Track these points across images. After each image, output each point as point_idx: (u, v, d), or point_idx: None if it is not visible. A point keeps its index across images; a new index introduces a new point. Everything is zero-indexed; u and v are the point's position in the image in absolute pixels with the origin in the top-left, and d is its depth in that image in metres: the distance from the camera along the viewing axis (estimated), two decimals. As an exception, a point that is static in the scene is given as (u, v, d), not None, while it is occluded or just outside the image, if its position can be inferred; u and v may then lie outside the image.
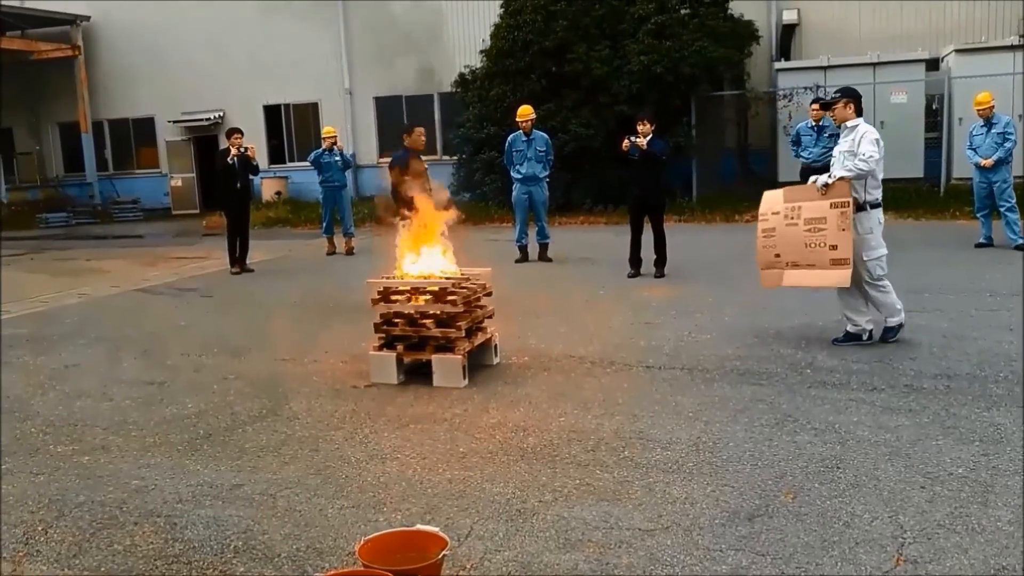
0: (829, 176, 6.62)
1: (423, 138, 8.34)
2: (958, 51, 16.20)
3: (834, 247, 6.52)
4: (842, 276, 6.54)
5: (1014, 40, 16.04)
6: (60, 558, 3.84)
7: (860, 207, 6.58)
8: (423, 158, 8.10)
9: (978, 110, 11.38)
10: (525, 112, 11.88)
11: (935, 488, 4.15)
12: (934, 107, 16.77)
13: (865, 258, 6.62)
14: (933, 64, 16.79)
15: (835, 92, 7.14)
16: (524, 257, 12.09)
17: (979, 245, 11.22)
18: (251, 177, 12.62)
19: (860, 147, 6.49)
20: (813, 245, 6.60)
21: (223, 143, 23.29)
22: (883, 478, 4.29)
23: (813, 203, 6.64)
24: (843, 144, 6.77)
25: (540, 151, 11.87)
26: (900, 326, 6.81)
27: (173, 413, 5.83)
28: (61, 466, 4.93)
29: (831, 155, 11.48)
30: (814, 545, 3.65)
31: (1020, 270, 9.34)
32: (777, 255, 6.87)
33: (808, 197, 6.70)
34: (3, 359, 7.54)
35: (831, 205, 6.53)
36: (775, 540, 3.71)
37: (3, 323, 9.26)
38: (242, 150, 11.95)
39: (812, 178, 6.88)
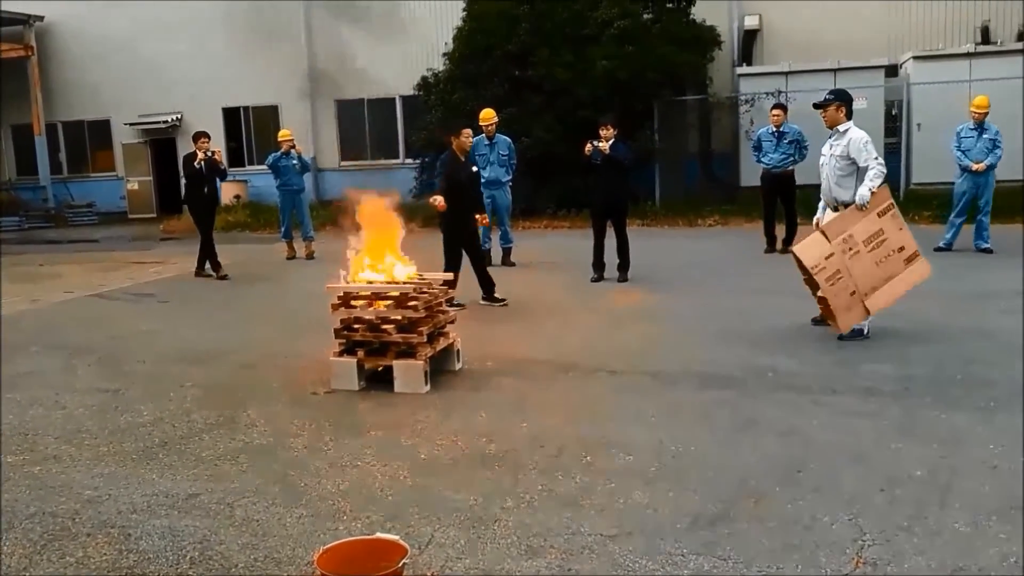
0: (866, 189, 6.77)
1: (470, 140, 8.47)
2: (916, 58, 16.45)
3: (901, 248, 6.79)
4: (922, 267, 6.85)
5: (970, 48, 16.33)
6: (10, 571, 3.72)
7: (848, 205, 6.92)
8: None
9: (974, 112, 11.39)
10: (487, 116, 11.83)
11: (895, 491, 4.17)
12: (893, 112, 17.00)
13: None
14: (892, 70, 17.03)
15: (828, 94, 7.24)
16: (488, 261, 12.03)
17: (939, 249, 11.24)
18: (219, 181, 12.45)
19: (863, 153, 6.80)
20: (884, 259, 6.76)
21: (181, 146, 23.11)
22: (844, 481, 4.31)
23: (861, 223, 6.79)
24: (835, 148, 7.00)
25: (503, 155, 11.85)
26: (863, 331, 7.02)
27: (128, 421, 5.71)
28: (11, 476, 4.80)
29: (790, 160, 11.73)
30: (775, 549, 3.65)
31: (980, 275, 9.45)
32: (853, 292, 6.79)
33: (852, 221, 6.81)
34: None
35: (879, 215, 6.76)
36: (737, 544, 3.70)
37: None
38: (209, 154, 11.80)
39: (858, 199, 6.84)
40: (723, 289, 9.63)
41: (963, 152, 11.43)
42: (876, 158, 6.85)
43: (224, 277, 11.83)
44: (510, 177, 12.05)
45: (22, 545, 3.96)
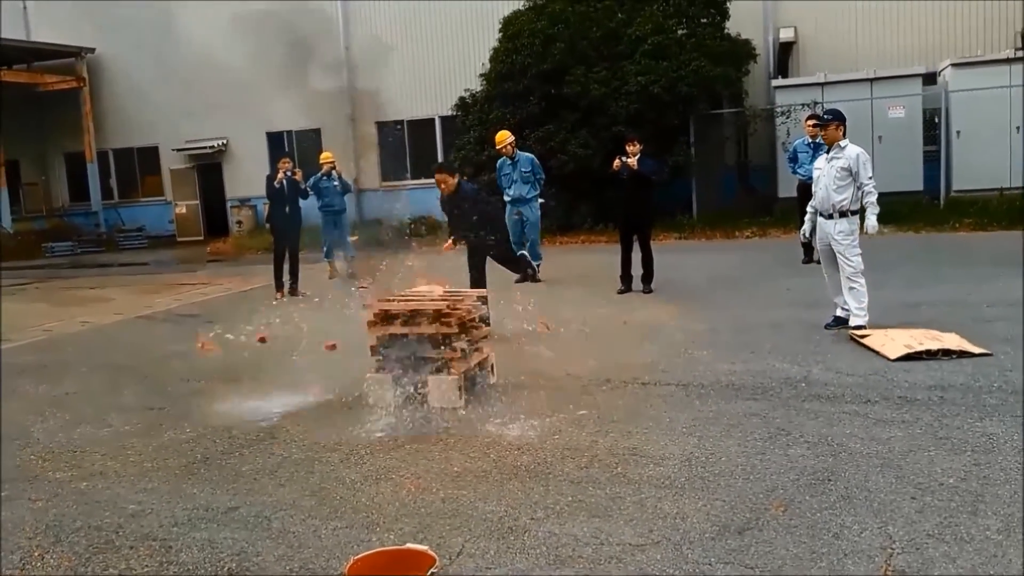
0: (874, 219, 7.69)
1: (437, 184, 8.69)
2: (955, 65, 16.28)
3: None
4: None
5: (1010, 53, 16.12)
6: (56, 583, 3.88)
7: (843, 213, 7.70)
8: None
9: None
10: (501, 138, 12.14)
11: (925, 498, 4.16)
12: (936, 120, 16.82)
13: (848, 255, 7.67)
14: (930, 78, 16.87)
15: (826, 114, 8.00)
16: (523, 277, 12.13)
17: None
18: (300, 200, 12.71)
19: (863, 172, 7.61)
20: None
21: (227, 170, 23.60)
22: (874, 489, 4.30)
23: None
24: (835, 162, 7.75)
25: (525, 172, 12.02)
26: (845, 322, 7.70)
27: (171, 438, 5.87)
28: (59, 492, 4.98)
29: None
30: (803, 557, 3.67)
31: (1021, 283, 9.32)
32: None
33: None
34: (4, 388, 7.60)
35: None
36: (764, 553, 3.72)
37: (5, 352, 9.34)
38: (288, 174, 12.10)
39: (870, 230, 7.72)
40: (758, 300, 9.61)
41: None
42: (871, 177, 7.65)
43: (282, 298, 11.99)
44: (537, 192, 12.17)
45: (68, 558, 4.11)
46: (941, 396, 5.69)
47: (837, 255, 7.74)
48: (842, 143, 7.77)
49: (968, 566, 3.50)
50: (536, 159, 12.38)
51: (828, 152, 7.91)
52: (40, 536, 4.37)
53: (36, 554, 4.16)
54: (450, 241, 8.89)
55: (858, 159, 7.64)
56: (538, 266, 12.15)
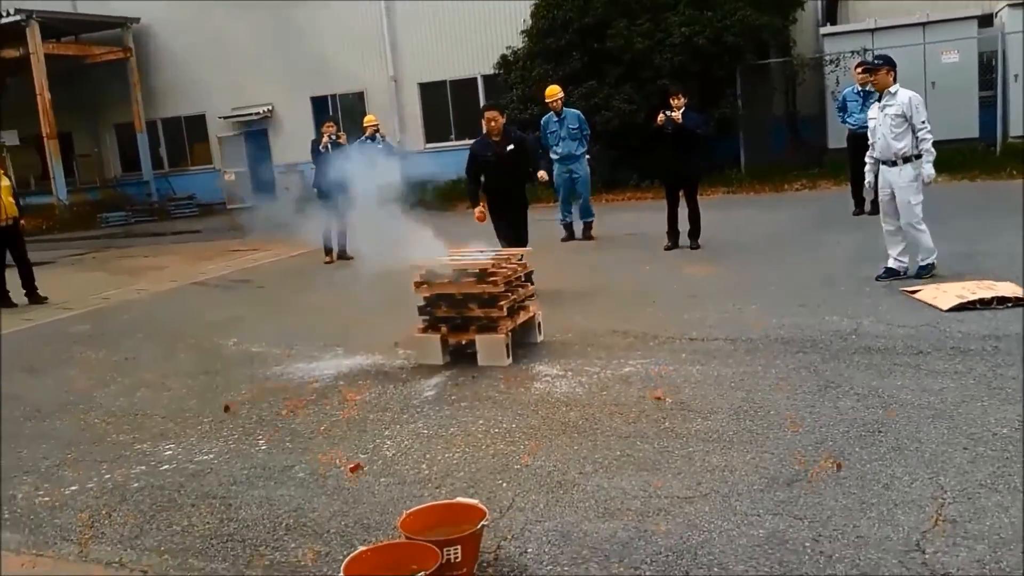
0: (930, 166, 7.55)
1: (490, 123, 8.48)
2: (1011, 5, 15.71)
3: None
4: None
5: (1071, -10, 15.53)
6: (123, 539, 4.03)
7: (907, 159, 7.58)
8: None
9: None
10: (552, 92, 11.94)
11: (978, 448, 4.13)
12: (992, 64, 16.31)
13: (912, 202, 7.56)
14: (986, 20, 16.33)
15: (876, 59, 7.87)
16: (570, 235, 12.12)
17: None
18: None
19: (916, 116, 7.48)
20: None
21: (273, 136, 23.77)
22: (925, 440, 4.28)
23: None
24: (888, 109, 7.61)
25: (573, 128, 11.88)
26: (933, 265, 7.64)
27: (228, 400, 6.02)
28: (123, 454, 5.15)
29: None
30: (852, 508, 3.67)
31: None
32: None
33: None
34: (68, 355, 7.85)
35: None
36: (813, 504, 3.73)
37: (67, 320, 9.63)
38: (333, 138, 12.18)
39: (926, 178, 7.58)
40: (807, 254, 9.48)
41: None
42: (925, 121, 7.53)
43: (330, 262, 12.08)
44: (585, 149, 12.07)
45: (133, 516, 4.27)
46: (995, 346, 5.60)
47: (900, 202, 7.62)
48: (892, 89, 7.63)
49: (1021, 515, 3.47)
50: (582, 115, 12.26)
51: (880, 100, 7.76)
52: (107, 496, 4.54)
53: (103, 512, 4.33)
54: (481, 207, 8.61)
55: (910, 103, 7.51)
56: (591, 223, 12.14)
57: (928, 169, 7.55)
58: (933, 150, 7.55)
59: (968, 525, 3.44)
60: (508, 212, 8.69)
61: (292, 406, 5.75)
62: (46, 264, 14.01)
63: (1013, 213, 10.60)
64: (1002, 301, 6.50)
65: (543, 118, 12.18)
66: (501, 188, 8.60)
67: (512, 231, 8.60)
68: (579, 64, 16.89)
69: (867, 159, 8.02)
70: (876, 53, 14.63)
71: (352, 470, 4.34)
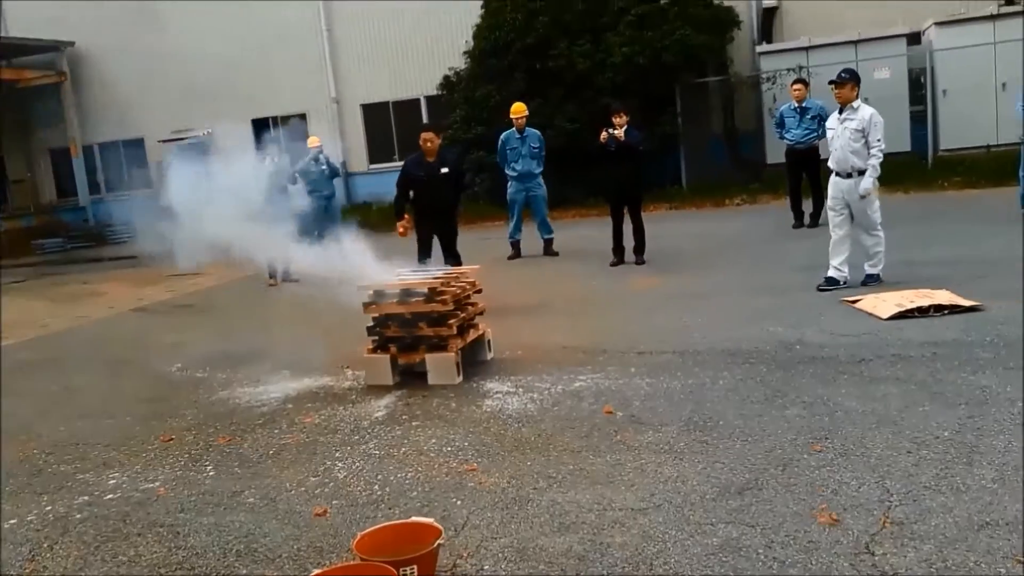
0: (871, 181, 7.78)
1: (425, 143, 8.61)
2: (938, 24, 16.24)
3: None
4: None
5: (993, 9, 16.09)
6: (66, 572, 3.91)
7: (861, 172, 7.78)
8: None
9: None
10: (519, 109, 11.95)
11: (921, 452, 4.22)
12: (921, 80, 16.80)
13: (869, 212, 7.83)
14: (915, 38, 16.83)
15: (843, 73, 8.03)
16: (516, 253, 12.16)
17: None
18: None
19: (873, 133, 7.72)
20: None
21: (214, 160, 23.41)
22: (870, 446, 4.36)
23: None
24: (850, 123, 7.83)
25: (534, 148, 11.96)
26: (879, 276, 7.87)
27: (174, 426, 5.90)
28: (65, 484, 5.01)
29: (814, 135, 11.72)
30: (803, 513, 3.73)
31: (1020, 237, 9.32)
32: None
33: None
34: (8, 384, 7.62)
35: None
36: (764, 511, 3.78)
37: (6, 349, 9.35)
38: (276, 160, 12.08)
39: (860, 193, 7.80)
40: (750, 267, 9.65)
41: None
42: (880, 140, 7.77)
43: (274, 285, 11.92)
44: (541, 169, 12.13)
45: (77, 547, 4.15)
46: (934, 352, 5.75)
47: (858, 212, 7.85)
48: (855, 104, 7.84)
49: (965, 515, 3.56)
50: (542, 136, 12.28)
51: (841, 112, 7.94)
52: (48, 528, 4.40)
53: (45, 545, 4.20)
54: (405, 222, 8.73)
55: (871, 120, 7.73)
56: (551, 240, 12.19)
57: (867, 183, 7.77)
58: (879, 168, 7.80)
59: (915, 526, 3.52)
60: (434, 230, 8.85)
61: (240, 431, 5.66)
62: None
63: (946, 223, 10.94)
64: (939, 309, 6.68)
65: (504, 134, 12.17)
66: (429, 206, 8.76)
67: (443, 249, 8.80)
68: (522, 84, 16.98)
69: (830, 165, 8.15)
70: (811, 71, 15.08)
71: (318, 515, 4.26)
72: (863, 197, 7.80)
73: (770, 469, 4.21)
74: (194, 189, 6.79)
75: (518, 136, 11.92)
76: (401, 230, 8.68)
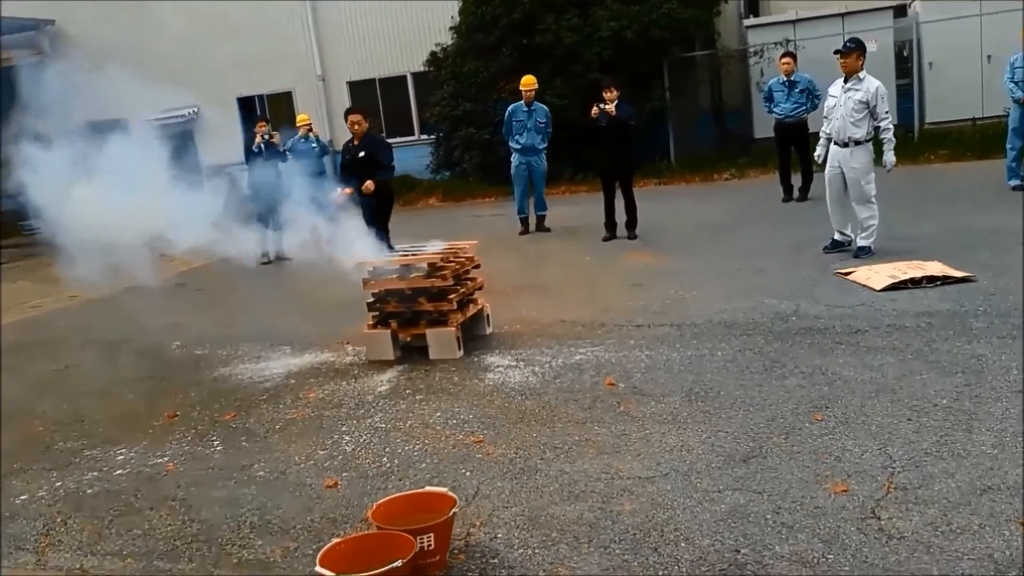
0: (891, 155, 7.93)
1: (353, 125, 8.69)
2: (924, -4, 16.32)
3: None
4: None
5: (979, -18, 16.15)
6: (82, 546, 3.96)
7: (858, 142, 7.84)
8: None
9: None
10: (529, 82, 11.82)
11: (921, 419, 4.31)
12: (904, 53, 16.88)
13: (863, 183, 7.87)
14: (901, 11, 16.89)
15: (848, 42, 8.04)
16: (526, 229, 12.13)
17: (1018, 187, 10.54)
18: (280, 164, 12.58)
19: (880, 106, 7.75)
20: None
21: (200, 139, 23.27)
22: (871, 414, 4.45)
23: None
24: (855, 94, 7.82)
25: (540, 123, 11.89)
26: (870, 248, 7.91)
27: (177, 403, 5.93)
28: (73, 461, 5.04)
29: (803, 109, 11.76)
30: (808, 480, 3.81)
31: (1007, 209, 9.42)
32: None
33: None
34: (4, 365, 7.62)
35: None
36: (770, 478, 3.86)
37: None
38: (266, 137, 12.03)
39: (887, 165, 7.99)
40: (742, 241, 9.71)
41: (1016, 83, 10.59)
42: (888, 111, 7.84)
43: (267, 263, 11.92)
44: (545, 145, 12.09)
45: (90, 522, 4.19)
46: (929, 322, 5.84)
47: (851, 182, 7.93)
48: (860, 75, 7.84)
49: (967, 480, 3.65)
50: (549, 112, 12.22)
51: (845, 82, 7.94)
52: (60, 503, 4.45)
53: (59, 520, 4.24)
54: (348, 189, 8.77)
55: (876, 92, 7.74)
56: (544, 216, 12.19)
57: (890, 156, 7.88)
58: (894, 138, 7.86)
59: (918, 491, 3.61)
60: (365, 209, 8.85)
61: (245, 406, 5.70)
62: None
63: (934, 196, 11.03)
64: (931, 280, 6.77)
65: (511, 106, 12.07)
66: (355, 188, 8.86)
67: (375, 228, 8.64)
68: (510, 60, 16.93)
69: (821, 133, 8.30)
70: (798, 44, 15.13)
71: (329, 487, 4.30)
72: (888, 170, 7.93)
73: (773, 437, 4.29)
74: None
75: (525, 109, 11.85)
76: (337, 195, 8.58)
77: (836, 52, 7.99)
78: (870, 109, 7.77)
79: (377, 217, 8.81)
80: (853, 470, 3.85)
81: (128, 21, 22.45)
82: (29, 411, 6.13)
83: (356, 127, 8.73)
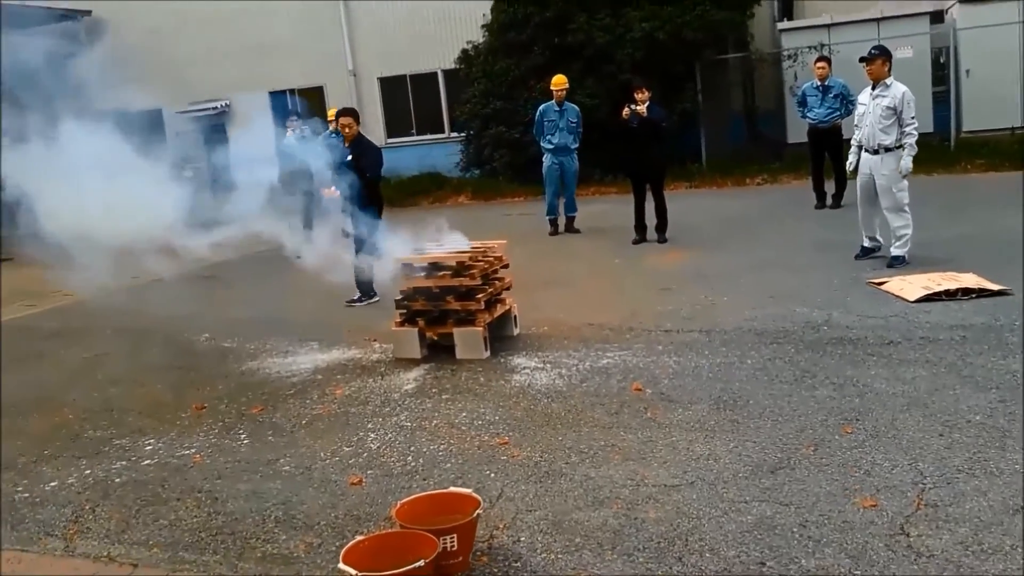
0: (909, 160, 7.79)
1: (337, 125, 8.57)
2: (962, 2, 16.08)
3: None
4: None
5: (1019, -11, 15.92)
6: (109, 534, 4.00)
7: (889, 149, 7.81)
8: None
9: None
10: (560, 81, 11.80)
11: (953, 435, 4.25)
12: (941, 60, 16.67)
13: (895, 190, 7.81)
14: (938, 17, 16.68)
15: (873, 49, 8.01)
16: (555, 230, 12.09)
17: None
18: None
19: (906, 111, 7.71)
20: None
21: (232, 132, 23.44)
22: (902, 428, 4.39)
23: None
24: (883, 100, 7.84)
25: (572, 122, 11.85)
26: (904, 258, 7.84)
27: (205, 395, 5.97)
28: (102, 449, 5.09)
29: (837, 114, 11.64)
30: (836, 493, 3.76)
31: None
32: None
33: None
34: (38, 352, 7.72)
35: None
36: (798, 490, 3.82)
37: (32, 317, 9.45)
38: (297, 133, 12.13)
39: (902, 174, 7.81)
40: (773, 247, 9.63)
41: None
42: (914, 117, 7.77)
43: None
44: (577, 145, 12.05)
45: (118, 510, 4.23)
46: (963, 335, 5.76)
47: (882, 189, 7.88)
48: (887, 81, 7.86)
49: (999, 498, 3.59)
50: (580, 112, 12.17)
51: (873, 89, 7.96)
52: (89, 491, 4.50)
53: (87, 508, 4.29)
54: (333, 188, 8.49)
55: (903, 98, 7.74)
56: (574, 217, 12.16)
57: (907, 162, 7.78)
58: (916, 146, 7.80)
59: (949, 509, 3.55)
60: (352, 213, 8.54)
61: (273, 400, 5.73)
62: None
63: (970, 206, 10.88)
64: (966, 292, 6.67)
65: (542, 106, 12.01)
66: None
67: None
68: (541, 59, 16.90)
69: (852, 141, 8.28)
70: (833, 48, 14.99)
71: (353, 484, 4.31)
72: (904, 176, 7.82)
73: (801, 449, 4.25)
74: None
75: (557, 109, 11.81)
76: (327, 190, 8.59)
77: (861, 59, 8.02)
78: (897, 114, 7.76)
79: (364, 221, 8.33)
80: (883, 485, 3.80)
81: (162, 13, 22.67)
82: (61, 399, 6.20)
83: (347, 130, 8.58)
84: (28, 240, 5.95)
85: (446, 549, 3.30)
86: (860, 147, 8.15)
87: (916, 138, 7.79)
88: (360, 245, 8.07)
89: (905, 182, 7.88)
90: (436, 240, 6.80)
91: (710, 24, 16.31)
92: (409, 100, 21.74)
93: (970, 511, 3.52)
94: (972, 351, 5.43)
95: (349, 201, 8.37)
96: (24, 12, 22.96)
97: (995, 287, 6.71)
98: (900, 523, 3.47)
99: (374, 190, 8.58)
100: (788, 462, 4.12)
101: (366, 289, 8.40)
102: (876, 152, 7.91)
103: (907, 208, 7.88)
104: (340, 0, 21.40)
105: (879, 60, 7.85)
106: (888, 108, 7.77)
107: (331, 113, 14.24)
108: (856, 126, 8.25)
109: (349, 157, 8.55)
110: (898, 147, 7.82)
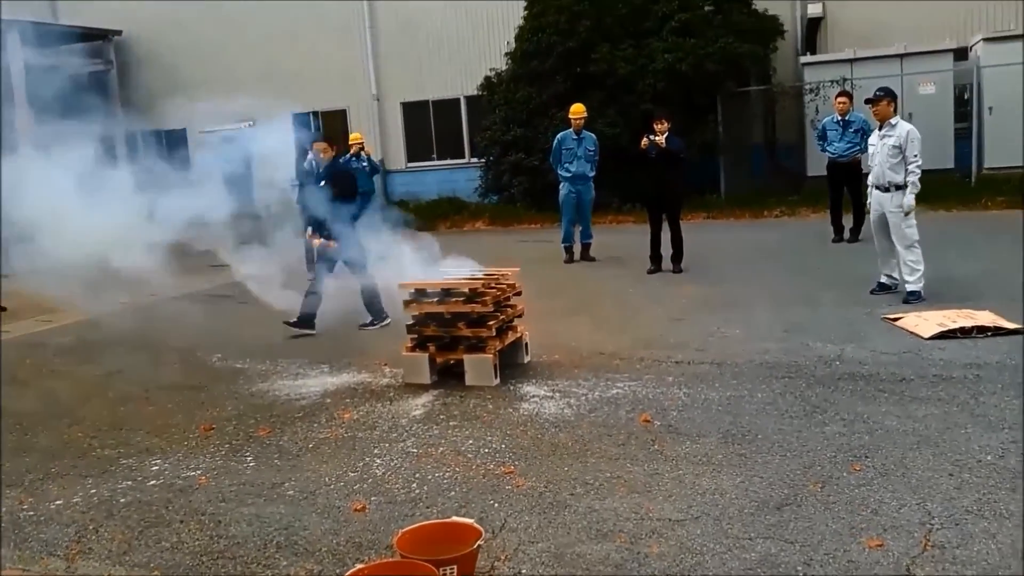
0: (911, 197, 7.88)
1: (319, 153, 8.80)
2: (986, 40, 16.04)
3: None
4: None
5: (1044, 27, 15.87)
6: (111, 555, 4.00)
7: (899, 187, 7.92)
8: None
9: None
10: (578, 110, 11.87)
11: (963, 475, 4.19)
12: (966, 96, 16.61)
13: (904, 226, 7.89)
14: (961, 54, 16.64)
15: (878, 91, 8.18)
16: (571, 258, 12.11)
17: None
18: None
19: (909, 149, 7.85)
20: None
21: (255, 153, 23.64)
22: (911, 466, 4.34)
23: None
24: (888, 139, 8.02)
25: (590, 151, 11.91)
26: (919, 293, 7.84)
27: (214, 416, 5.99)
28: (109, 468, 5.10)
29: (856, 149, 11.64)
30: (842, 532, 3.71)
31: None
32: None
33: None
34: (50, 367, 7.77)
35: None
36: (803, 528, 3.78)
37: (49, 332, 9.53)
38: (320, 155, 12.23)
39: (904, 211, 7.89)
40: (789, 280, 9.58)
41: None
42: (917, 155, 7.88)
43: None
44: (594, 173, 12.09)
45: (121, 531, 4.23)
46: (977, 374, 5.69)
47: (892, 226, 7.98)
48: (893, 120, 8.04)
49: (1008, 541, 3.53)
50: (597, 140, 12.25)
51: (880, 129, 8.13)
52: (93, 510, 4.50)
53: (91, 527, 4.29)
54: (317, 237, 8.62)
55: (907, 136, 7.89)
56: (590, 244, 12.18)
57: (909, 199, 7.87)
58: (919, 184, 7.88)
59: (956, 551, 3.50)
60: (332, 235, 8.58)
61: (280, 423, 5.73)
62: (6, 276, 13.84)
63: (989, 243, 10.79)
64: (981, 330, 6.61)
65: (560, 134, 12.09)
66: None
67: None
68: (563, 87, 16.99)
69: (868, 181, 8.42)
70: (855, 83, 14.96)
71: (357, 510, 4.30)
72: (907, 214, 7.85)
73: (809, 485, 4.20)
74: None
75: (575, 137, 11.87)
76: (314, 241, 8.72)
77: (867, 101, 8.25)
78: (903, 152, 7.88)
79: (349, 244, 8.45)
80: (890, 524, 3.75)
81: (190, 34, 23.02)
82: (71, 415, 6.23)
83: (323, 155, 8.78)
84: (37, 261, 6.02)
85: (445, 579, 3.28)
86: (872, 186, 8.25)
87: (919, 176, 7.88)
88: (354, 268, 8.20)
89: (912, 218, 7.91)
90: (443, 265, 6.84)
91: (732, 57, 16.36)
92: (431, 125, 21.89)
93: (978, 554, 3.46)
94: (985, 390, 5.37)
95: (325, 223, 8.49)
96: (51, 32, 23.41)
97: (1011, 326, 6.64)
98: (906, 564, 3.42)
99: (352, 211, 8.58)
100: (795, 499, 4.07)
101: (376, 311, 8.44)
102: (887, 190, 8.05)
103: (917, 244, 7.90)
104: (366, 19, 21.64)
105: (884, 101, 8.03)
106: (894, 147, 7.93)
107: (352, 137, 14.38)
108: (870, 164, 8.35)
109: (323, 183, 8.74)
110: (906, 184, 7.90)
